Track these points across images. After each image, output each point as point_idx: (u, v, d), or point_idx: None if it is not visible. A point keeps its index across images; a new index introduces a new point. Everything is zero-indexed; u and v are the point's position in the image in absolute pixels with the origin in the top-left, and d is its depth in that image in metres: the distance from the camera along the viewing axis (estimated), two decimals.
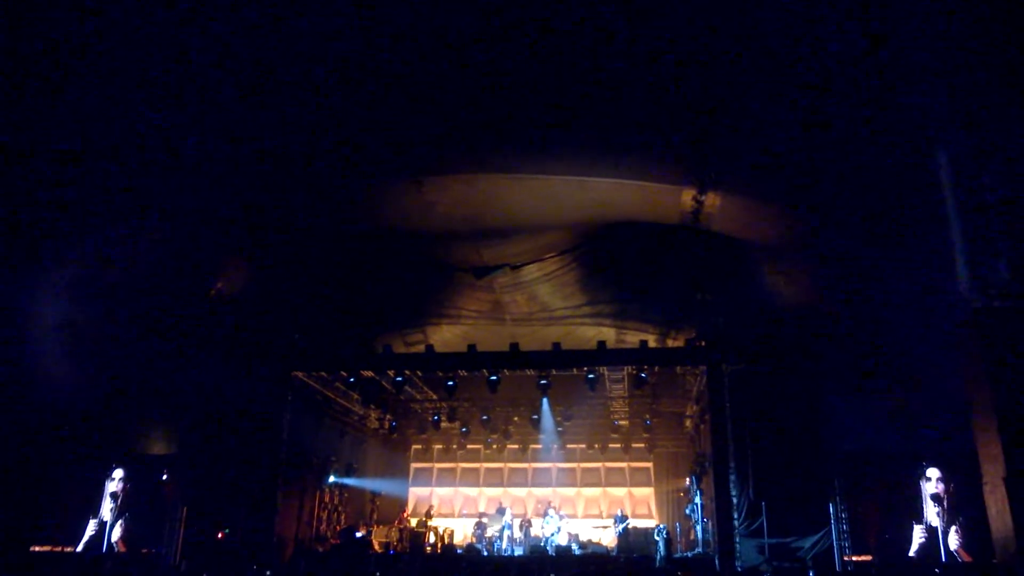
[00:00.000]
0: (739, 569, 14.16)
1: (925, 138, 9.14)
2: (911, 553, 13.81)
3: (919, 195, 9.71)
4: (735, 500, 14.86)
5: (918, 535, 13.94)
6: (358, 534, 18.39)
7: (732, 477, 14.99)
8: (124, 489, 15.67)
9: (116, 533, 15.20)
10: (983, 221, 8.55)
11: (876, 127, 10.03)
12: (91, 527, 15.22)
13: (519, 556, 17.89)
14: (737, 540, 14.56)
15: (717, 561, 14.68)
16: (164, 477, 15.43)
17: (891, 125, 9.83)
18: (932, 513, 13.95)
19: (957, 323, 8.82)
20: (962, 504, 13.64)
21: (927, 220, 9.67)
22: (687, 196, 12.93)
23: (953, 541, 13.62)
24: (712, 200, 12.90)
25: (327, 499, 19.98)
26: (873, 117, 9.94)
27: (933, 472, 14.10)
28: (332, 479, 20.04)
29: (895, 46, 8.97)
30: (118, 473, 15.61)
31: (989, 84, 8.59)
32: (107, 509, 15.44)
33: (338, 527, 19.75)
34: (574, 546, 18.41)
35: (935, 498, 13.92)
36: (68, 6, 8.94)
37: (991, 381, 8.08)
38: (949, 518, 13.76)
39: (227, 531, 15.47)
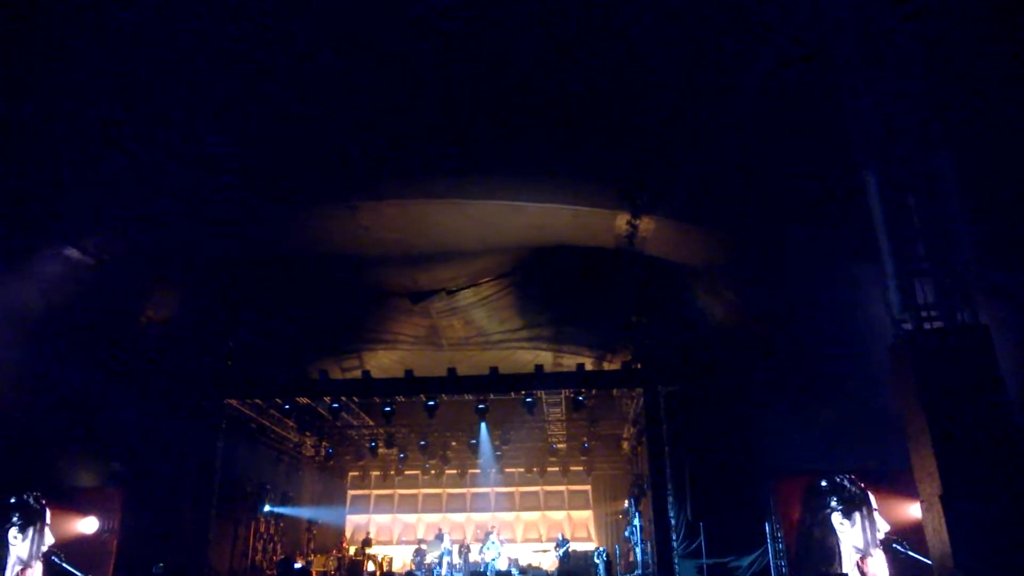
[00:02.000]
0: None
1: (853, 161, 9.40)
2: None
3: (848, 218, 9.98)
4: (673, 521, 14.97)
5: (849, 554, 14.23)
6: (296, 565, 17.97)
7: (670, 498, 15.10)
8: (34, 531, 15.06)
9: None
10: (910, 244, 8.81)
11: (805, 151, 10.33)
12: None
13: None
14: (676, 561, 14.65)
15: None
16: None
17: (820, 149, 10.13)
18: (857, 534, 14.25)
19: (888, 345, 9.04)
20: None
21: (857, 243, 9.93)
22: (621, 220, 13.08)
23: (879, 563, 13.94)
24: (646, 224, 13.07)
25: (262, 529, 19.50)
26: (802, 140, 10.23)
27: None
28: (267, 508, 19.57)
29: (825, 67, 9.27)
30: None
31: (916, 107, 8.93)
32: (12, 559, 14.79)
33: (274, 557, 19.28)
34: (514, 571, 18.34)
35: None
36: None
37: (924, 401, 8.27)
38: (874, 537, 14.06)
39: (160, 566, 14.92)
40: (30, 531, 15.05)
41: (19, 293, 12.79)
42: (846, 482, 13.71)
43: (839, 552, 13.41)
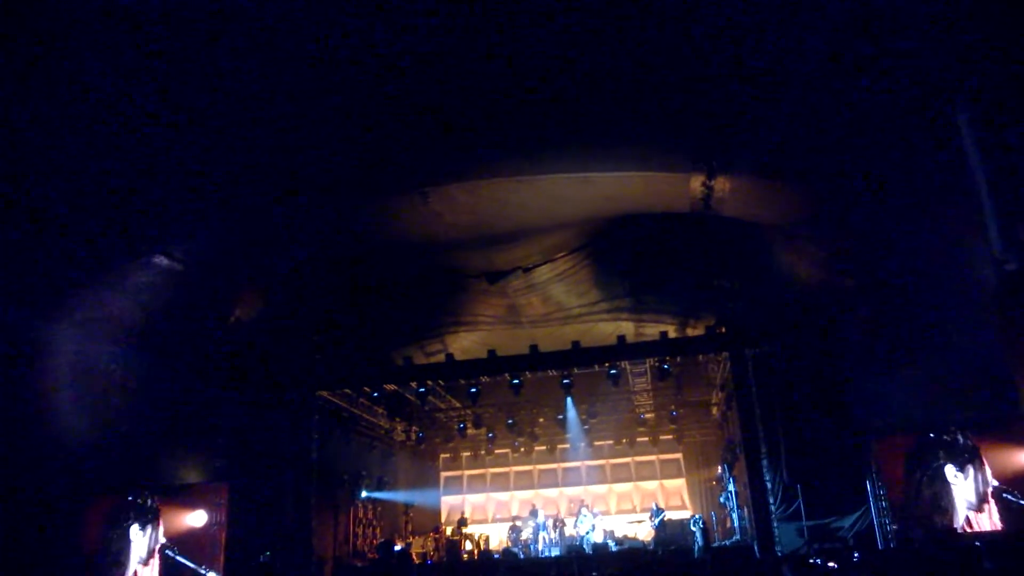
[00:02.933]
0: (780, 554, 14.01)
1: (944, 98, 8.91)
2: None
3: (940, 159, 9.49)
4: (769, 485, 14.73)
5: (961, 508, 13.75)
6: (396, 547, 18.39)
7: (764, 462, 14.86)
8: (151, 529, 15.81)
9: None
10: (1011, 181, 8.33)
11: (890, 90, 9.79)
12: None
13: (556, 556, 17.83)
14: (775, 525, 14.42)
15: (756, 548, 14.55)
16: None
17: (907, 87, 9.58)
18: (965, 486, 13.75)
19: (989, 288, 8.59)
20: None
21: (950, 185, 9.43)
22: (696, 183, 12.76)
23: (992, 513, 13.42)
24: (722, 184, 12.71)
25: (361, 515, 20.02)
26: (887, 79, 9.70)
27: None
28: (364, 494, 20.09)
29: (907, 9, 8.79)
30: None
31: (1009, 39, 8.39)
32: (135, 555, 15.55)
33: (374, 541, 19.78)
34: (610, 543, 18.35)
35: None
36: None
37: None
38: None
39: (267, 555, 15.49)
40: (148, 527, 15.85)
41: (114, 303, 13.35)
42: (958, 436, 13.20)
43: (954, 506, 12.96)
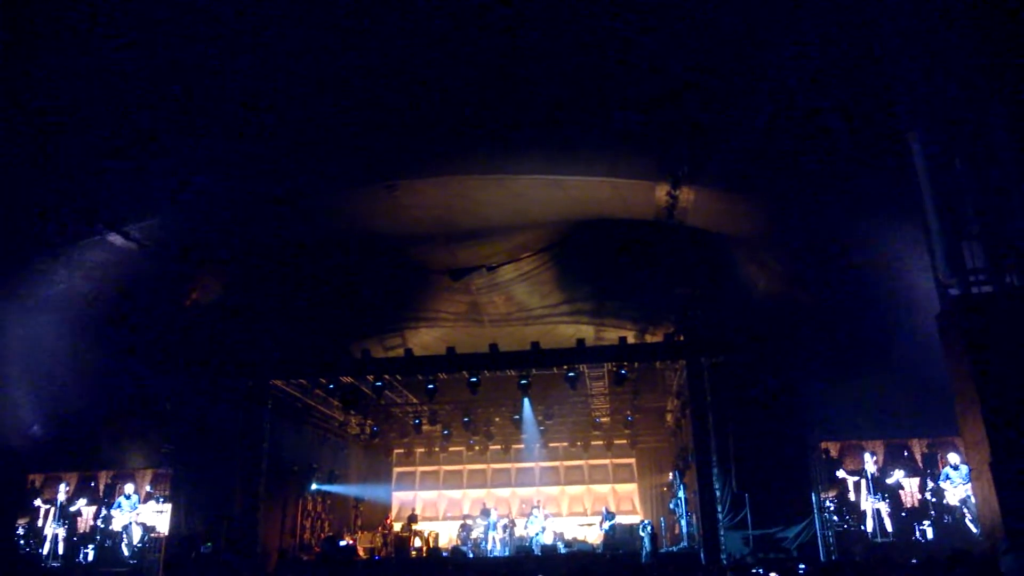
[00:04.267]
0: (725, 562, 14.18)
1: (898, 125, 9.16)
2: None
3: (893, 183, 9.74)
4: (718, 493, 14.89)
5: None
6: (342, 542, 18.25)
7: (715, 470, 15.03)
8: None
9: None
10: (958, 207, 8.57)
11: (848, 115, 10.05)
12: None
13: (505, 557, 17.85)
14: (722, 533, 14.59)
15: (703, 555, 14.71)
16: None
17: (863, 113, 9.86)
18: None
19: (936, 312, 8.83)
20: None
21: (902, 208, 9.70)
22: (661, 191, 12.91)
23: None
24: (686, 195, 12.89)
25: (310, 507, 19.82)
26: (845, 105, 9.96)
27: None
28: (315, 487, 19.88)
29: (867, 33, 9.00)
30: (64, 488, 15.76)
31: (960, 68, 8.64)
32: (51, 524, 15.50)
33: (322, 535, 19.59)
34: (560, 545, 18.40)
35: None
36: None
37: (973, 369, 8.08)
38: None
39: (209, 544, 15.27)
40: (93, 509, 15.78)
41: (65, 282, 13.08)
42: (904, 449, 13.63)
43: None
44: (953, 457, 14.15)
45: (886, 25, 8.98)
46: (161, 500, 15.91)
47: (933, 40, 8.75)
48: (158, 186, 11.74)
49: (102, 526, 15.99)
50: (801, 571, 12.20)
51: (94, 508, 16.24)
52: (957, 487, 13.85)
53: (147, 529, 15.93)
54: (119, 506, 16.03)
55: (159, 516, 15.85)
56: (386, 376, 17.91)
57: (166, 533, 15.47)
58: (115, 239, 12.55)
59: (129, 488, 16.16)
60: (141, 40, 9.14)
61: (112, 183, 11.39)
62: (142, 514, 16.03)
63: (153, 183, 11.66)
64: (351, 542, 19.03)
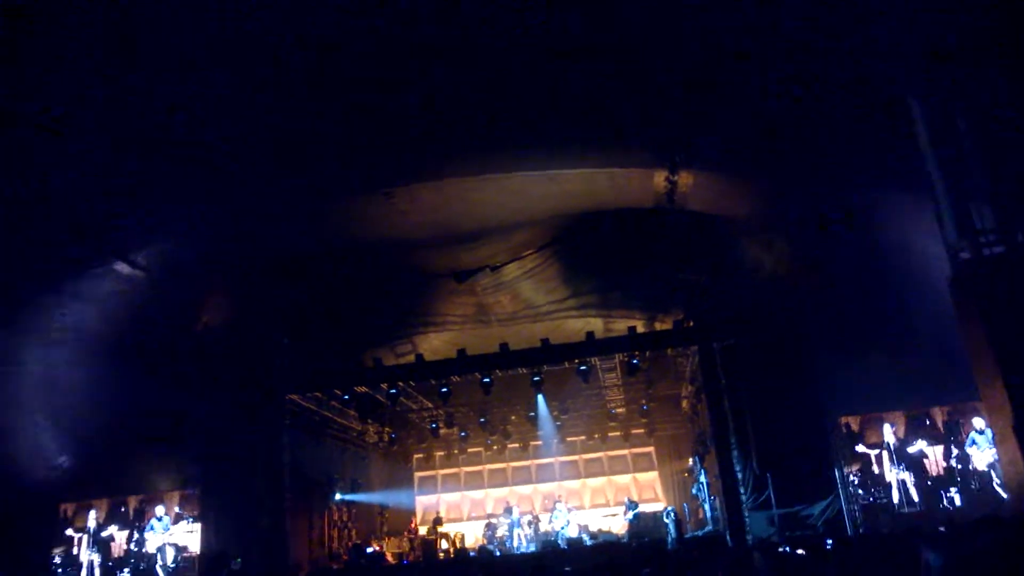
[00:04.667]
0: (751, 542, 14.19)
1: (896, 90, 9.09)
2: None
3: (896, 150, 9.66)
4: (740, 475, 14.90)
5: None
6: (369, 549, 18.36)
7: (734, 452, 15.02)
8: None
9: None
10: (963, 168, 8.49)
11: (845, 85, 9.97)
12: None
13: (532, 553, 17.88)
14: (746, 514, 14.59)
15: (728, 537, 14.72)
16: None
17: (861, 81, 9.77)
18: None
19: (948, 277, 8.75)
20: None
21: (906, 175, 9.61)
22: (659, 178, 12.90)
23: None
24: (685, 179, 12.87)
25: (336, 517, 19.93)
26: (842, 75, 9.88)
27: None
28: (338, 496, 19.99)
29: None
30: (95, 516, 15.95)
31: (956, 28, 8.55)
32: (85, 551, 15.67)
33: (349, 544, 19.70)
34: (585, 537, 18.45)
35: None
36: None
37: (990, 332, 8.01)
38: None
39: (237, 561, 15.39)
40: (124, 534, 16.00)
41: (77, 313, 13.18)
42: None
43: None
44: (978, 422, 14.08)
45: None
46: (191, 520, 16.11)
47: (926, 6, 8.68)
48: (159, 211, 11.82)
49: (136, 549, 16.15)
50: (828, 546, 12.20)
51: (126, 533, 16.42)
52: (984, 452, 13.79)
53: (179, 549, 16.09)
54: (152, 528, 16.18)
55: (190, 536, 16.05)
56: (399, 383, 17.97)
57: (198, 552, 15.68)
58: (122, 268, 12.65)
59: (160, 510, 16.31)
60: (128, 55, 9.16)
61: (113, 212, 11.47)
62: (174, 535, 16.19)
63: (154, 209, 11.73)
64: (378, 548, 19.12)
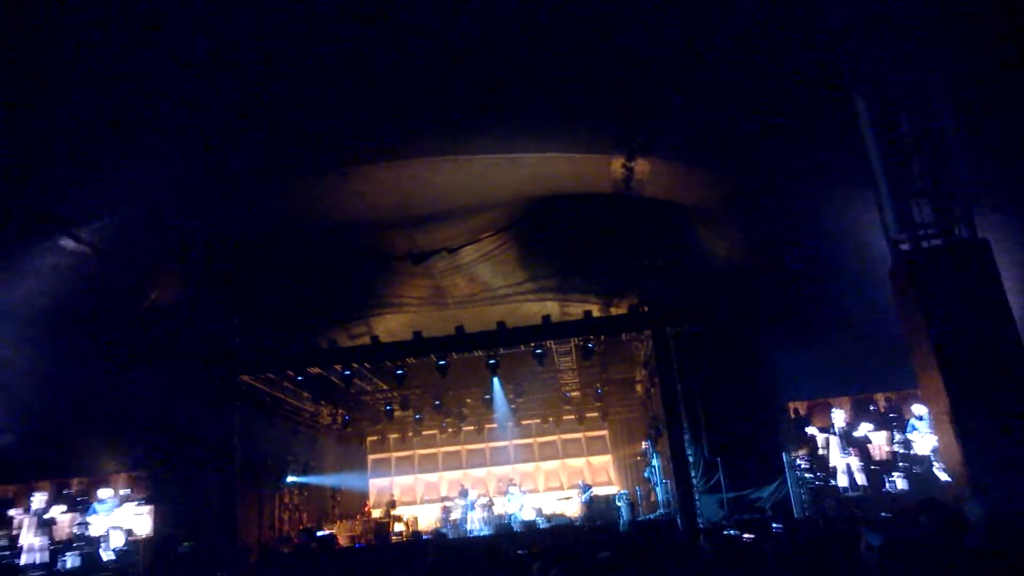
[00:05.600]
0: (701, 525, 14.43)
1: (844, 87, 9.29)
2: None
3: (841, 143, 9.89)
4: (691, 459, 15.11)
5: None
6: (320, 533, 18.26)
7: (686, 436, 15.23)
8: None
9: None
10: (904, 163, 8.75)
11: (794, 78, 10.17)
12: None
13: (486, 535, 17.97)
14: (697, 498, 14.82)
15: (679, 520, 14.95)
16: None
17: (809, 75, 9.97)
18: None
19: (888, 268, 9.02)
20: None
21: (851, 168, 9.86)
22: (617, 164, 12.94)
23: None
24: (642, 166, 12.94)
25: (287, 500, 19.77)
26: (790, 68, 10.06)
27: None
28: (290, 479, 19.81)
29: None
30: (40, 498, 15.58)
31: (900, 27, 8.77)
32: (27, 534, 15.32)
33: (301, 527, 19.57)
34: (539, 520, 18.58)
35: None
36: None
37: (927, 321, 8.26)
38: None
39: (186, 544, 15.19)
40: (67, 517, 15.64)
41: (19, 289, 12.80)
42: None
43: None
44: (918, 408, 14.46)
45: None
46: (140, 503, 15.79)
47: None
48: (107, 186, 11.51)
49: (81, 532, 15.82)
50: (775, 529, 12.46)
51: (71, 515, 16.06)
52: (924, 437, 14.17)
53: (127, 532, 15.79)
54: (95, 511, 15.85)
55: (138, 519, 15.73)
56: (354, 364, 17.84)
57: (146, 535, 15.41)
58: (67, 243, 12.30)
59: (104, 493, 15.97)
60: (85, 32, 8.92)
61: (59, 186, 11.14)
62: (121, 517, 15.86)
63: (102, 183, 11.42)
64: (330, 532, 19.03)
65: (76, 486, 16.35)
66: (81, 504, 16.07)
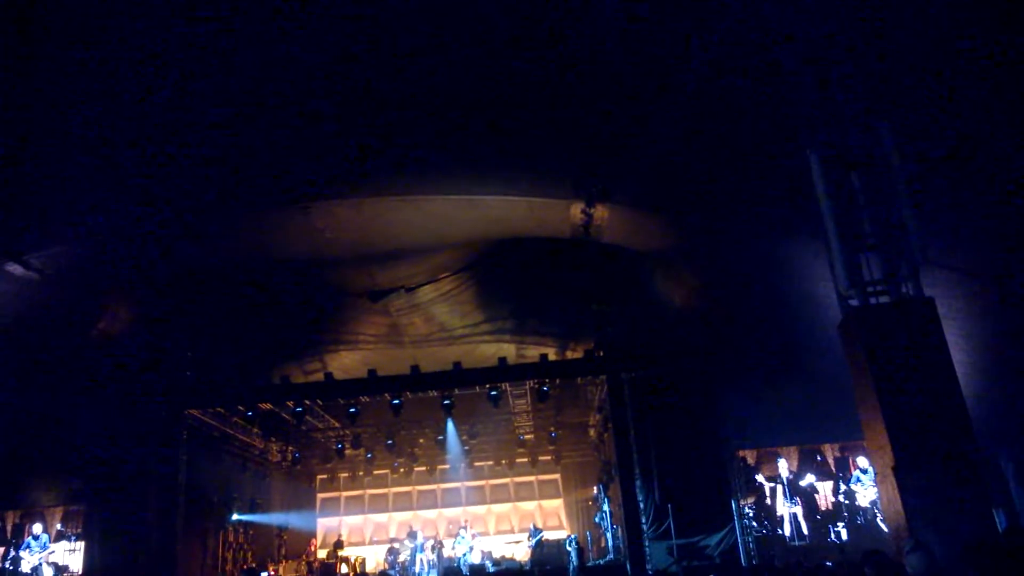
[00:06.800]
0: (650, 572, 14.38)
1: (796, 141, 9.56)
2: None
3: (795, 197, 10.14)
4: (642, 505, 15.09)
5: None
6: (263, 574, 17.80)
7: (638, 482, 15.23)
8: None
9: None
10: (855, 220, 8.97)
11: (750, 133, 10.45)
12: None
13: None
14: (647, 544, 14.78)
15: (628, 566, 14.88)
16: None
17: (765, 131, 10.26)
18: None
19: (837, 323, 9.20)
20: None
21: (803, 221, 10.10)
22: (576, 209, 13.12)
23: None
24: (600, 213, 13.13)
25: (232, 538, 19.25)
26: (747, 124, 10.35)
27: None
28: (235, 517, 19.32)
29: (765, 53, 9.39)
30: None
31: (853, 88, 9.08)
32: None
33: (244, 566, 19.05)
34: (488, 563, 18.36)
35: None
36: None
37: (873, 375, 8.41)
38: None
39: None
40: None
41: None
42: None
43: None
44: (862, 461, 14.69)
45: (786, 48, 9.38)
46: (73, 539, 15.24)
47: (827, 62, 9.19)
48: (59, 213, 11.31)
49: (11, 567, 15.22)
50: None
51: (1, 550, 15.47)
52: (867, 489, 14.38)
53: (59, 569, 15.22)
54: (28, 547, 15.27)
55: (72, 555, 15.18)
56: (306, 401, 17.58)
57: (80, 572, 14.84)
58: (14, 269, 12.02)
59: (38, 528, 15.42)
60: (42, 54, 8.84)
61: (9, 211, 10.92)
62: (54, 554, 15.31)
63: (54, 210, 11.23)
64: (273, 572, 18.57)
65: (10, 520, 15.79)
66: (13, 539, 15.51)
